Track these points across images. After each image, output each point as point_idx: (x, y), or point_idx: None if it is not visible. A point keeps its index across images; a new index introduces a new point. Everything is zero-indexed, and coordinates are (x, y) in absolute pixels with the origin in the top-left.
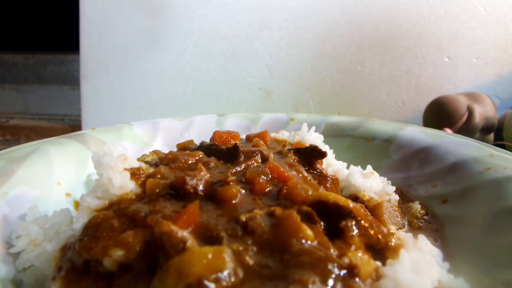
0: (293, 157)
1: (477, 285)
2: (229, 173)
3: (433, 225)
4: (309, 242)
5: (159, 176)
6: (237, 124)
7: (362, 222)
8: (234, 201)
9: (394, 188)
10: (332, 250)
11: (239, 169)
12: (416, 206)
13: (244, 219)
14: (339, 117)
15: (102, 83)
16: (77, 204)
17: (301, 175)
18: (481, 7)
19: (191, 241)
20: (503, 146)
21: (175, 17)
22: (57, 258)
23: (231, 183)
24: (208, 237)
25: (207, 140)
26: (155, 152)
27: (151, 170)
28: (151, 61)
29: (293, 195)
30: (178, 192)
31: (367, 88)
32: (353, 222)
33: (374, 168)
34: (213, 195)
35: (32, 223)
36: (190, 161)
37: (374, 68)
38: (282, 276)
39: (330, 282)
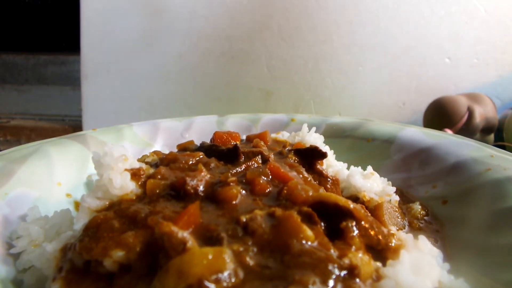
0: (294, 158)
1: (478, 286)
2: (229, 174)
3: (433, 225)
4: (309, 243)
5: (159, 176)
6: (237, 124)
7: (363, 223)
8: (234, 202)
9: (394, 188)
10: (332, 251)
11: (239, 169)
12: (417, 207)
13: (244, 220)
14: (339, 118)
15: (102, 83)
16: (77, 205)
17: (301, 175)
18: (482, 8)
19: (191, 242)
20: (503, 147)
21: (175, 17)
22: (57, 258)
23: (231, 183)
24: (209, 238)
25: (208, 141)
26: (155, 152)
27: (152, 170)
28: (152, 62)
29: (293, 196)
30: (179, 193)
31: (367, 89)
32: (354, 223)
33: (374, 169)
34: (214, 196)
35: (32, 223)
36: (191, 162)
37: (375, 68)
38: (282, 277)
39: (331, 282)
